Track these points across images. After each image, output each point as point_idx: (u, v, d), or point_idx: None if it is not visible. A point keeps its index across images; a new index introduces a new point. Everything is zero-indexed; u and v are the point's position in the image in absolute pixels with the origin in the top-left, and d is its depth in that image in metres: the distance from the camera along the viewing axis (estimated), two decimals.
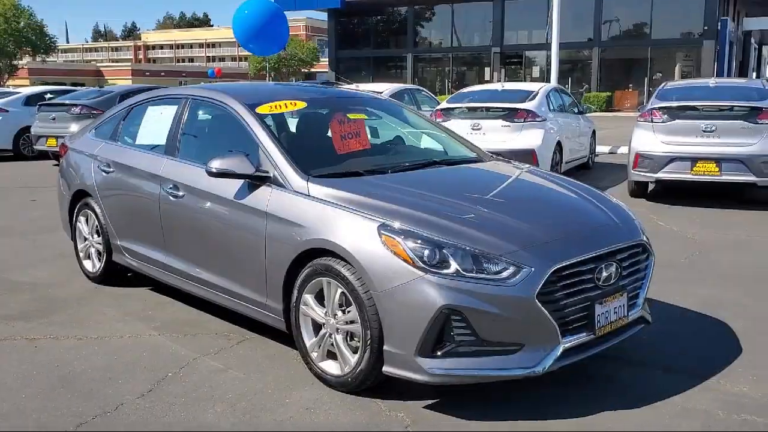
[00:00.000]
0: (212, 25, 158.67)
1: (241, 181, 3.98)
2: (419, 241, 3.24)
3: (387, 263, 3.25)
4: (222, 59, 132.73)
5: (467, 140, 5.09)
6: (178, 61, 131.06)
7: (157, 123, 4.96)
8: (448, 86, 34.41)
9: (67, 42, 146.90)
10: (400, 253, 3.23)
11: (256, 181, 3.92)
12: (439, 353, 3.18)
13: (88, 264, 5.59)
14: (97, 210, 5.28)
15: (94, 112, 13.06)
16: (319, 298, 3.63)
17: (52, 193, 10.56)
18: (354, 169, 4.06)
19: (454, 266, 3.16)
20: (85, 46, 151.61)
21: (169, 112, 4.89)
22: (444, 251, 3.20)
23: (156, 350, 4.15)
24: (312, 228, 3.59)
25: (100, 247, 5.36)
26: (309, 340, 3.69)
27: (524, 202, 3.97)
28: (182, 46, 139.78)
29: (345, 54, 38.12)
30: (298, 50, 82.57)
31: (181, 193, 4.39)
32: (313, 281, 3.60)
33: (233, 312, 4.32)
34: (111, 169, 5.11)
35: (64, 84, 44.67)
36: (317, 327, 3.66)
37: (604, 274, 3.42)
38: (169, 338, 4.34)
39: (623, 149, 15.88)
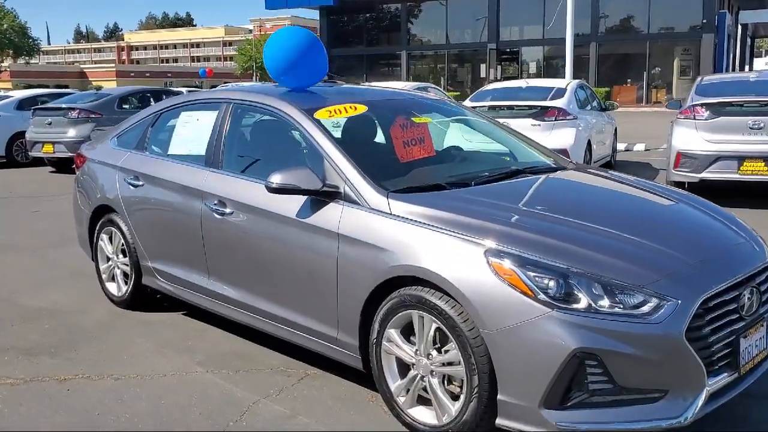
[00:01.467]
0: (195, 25, 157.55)
1: (303, 198, 3.48)
2: (539, 270, 2.74)
3: (500, 296, 2.75)
4: (207, 59, 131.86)
5: (537, 142, 4.59)
6: (162, 62, 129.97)
7: (193, 130, 4.43)
8: (443, 84, 33.95)
9: (49, 43, 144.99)
10: (517, 284, 2.73)
11: (323, 197, 3.41)
12: (569, 404, 2.68)
13: (112, 286, 5.06)
14: (123, 227, 4.75)
15: (93, 115, 12.49)
16: (406, 332, 3.13)
17: (55, 202, 10.07)
18: (431, 180, 3.56)
19: (584, 300, 2.67)
20: (67, 47, 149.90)
21: (207, 118, 4.36)
22: (570, 281, 2.71)
23: (207, 391, 3.63)
24: (398, 252, 3.08)
25: (127, 269, 4.83)
26: (394, 382, 3.18)
27: (646, 219, 3.45)
28: (166, 46, 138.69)
29: (337, 52, 37.50)
30: None
31: (228, 210, 3.87)
32: (400, 314, 3.09)
33: (286, 342, 3.81)
34: (140, 182, 4.58)
35: (48, 86, 43.80)
36: (404, 367, 3.16)
37: (746, 302, 2.94)
38: (219, 375, 3.82)
39: (639, 146, 15.51)
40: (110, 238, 4.98)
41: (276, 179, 3.41)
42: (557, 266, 2.74)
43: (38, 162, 13.84)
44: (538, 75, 32.80)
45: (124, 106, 13.19)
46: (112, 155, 4.97)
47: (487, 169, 3.97)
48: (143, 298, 4.88)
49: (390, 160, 3.80)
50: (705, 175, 8.09)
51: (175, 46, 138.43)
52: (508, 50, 34.97)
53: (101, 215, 5.00)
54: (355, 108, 3.95)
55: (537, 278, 2.72)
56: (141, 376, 3.84)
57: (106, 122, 12.40)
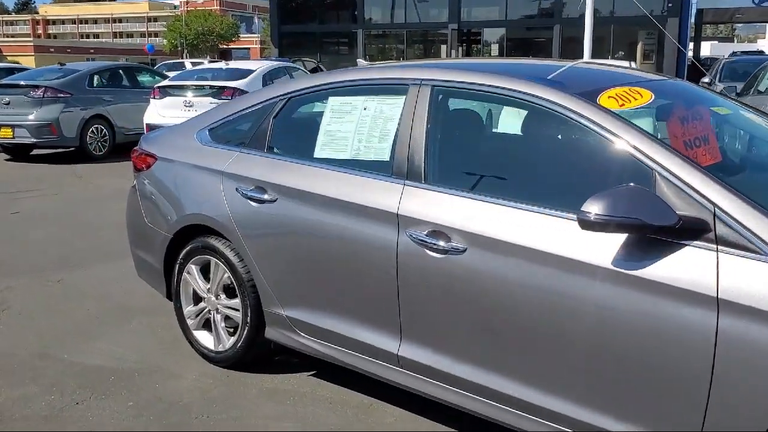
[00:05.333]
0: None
1: (619, 238, 2.22)
2: None
3: None
4: (130, 35, 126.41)
5: None
6: (82, 37, 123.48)
7: (357, 125, 3.07)
8: None
9: None
10: None
11: (673, 236, 2.16)
12: None
13: (204, 337, 3.66)
14: (232, 258, 3.36)
15: (62, 95, 10.68)
16: None
17: (35, 201, 8.08)
18: None
19: None
20: None
21: (381, 107, 3.02)
22: None
23: None
24: None
25: (237, 315, 3.45)
26: None
27: None
28: (86, 21, 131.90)
29: (288, 29, 35.53)
30: (217, 25, 78.64)
31: (457, 246, 2.57)
32: None
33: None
34: (267, 196, 3.19)
35: None
36: None
37: None
38: None
39: None
40: (204, 271, 3.59)
41: (597, 208, 2.14)
42: None
43: None
44: (500, 56, 31.87)
45: (96, 84, 11.37)
46: (206, 155, 3.55)
47: None
48: (256, 356, 3.52)
49: None
50: None
51: (95, 21, 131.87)
52: (470, 31, 33.92)
53: (189, 238, 3.59)
54: (641, 94, 2.69)
55: None
56: None
57: (77, 102, 10.69)
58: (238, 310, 3.44)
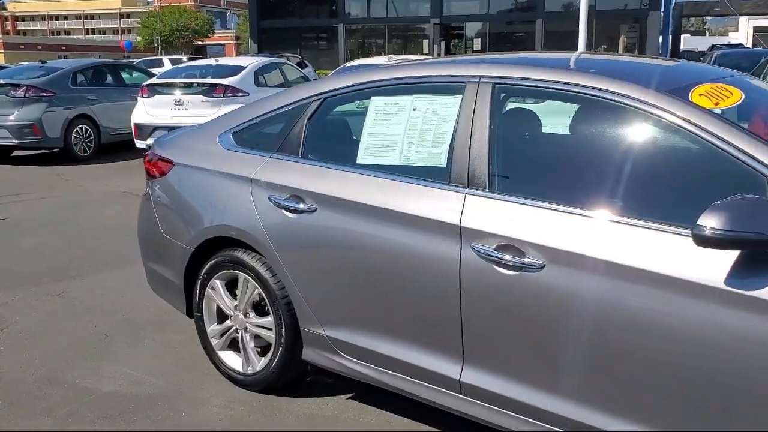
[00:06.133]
0: None
1: (730, 254, 1.99)
2: None
3: None
4: (103, 32, 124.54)
5: None
6: (53, 34, 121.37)
7: (406, 127, 2.80)
8: None
9: None
10: None
11: None
12: None
13: (229, 358, 3.38)
14: (264, 273, 3.08)
15: (45, 94, 10.25)
16: None
17: (21, 206, 7.54)
18: None
19: None
20: None
21: (433, 107, 2.75)
22: None
23: None
24: None
25: (269, 334, 3.17)
26: None
27: None
28: (57, 17, 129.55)
29: (267, 24, 35.03)
30: (191, 21, 77.60)
31: (533, 262, 2.31)
32: None
33: None
34: (307, 206, 2.91)
35: None
36: None
37: None
38: None
39: None
40: (230, 286, 3.30)
41: (714, 222, 1.90)
42: None
43: None
44: (482, 51, 31.71)
45: (80, 83, 10.94)
46: (231, 161, 3.25)
47: None
48: (289, 379, 3.25)
49: None
50: None
51: (66, 18, 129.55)
52: (453, 26, 33.69)
53: (213, 251, 3.30)
54: (731, 92, 2.45)
55: None
56: None
57: (60, 102, 10.27)
58: (270, 329, 3.16)
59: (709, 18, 65.21)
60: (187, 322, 3.63)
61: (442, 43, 31.83)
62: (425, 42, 32.99)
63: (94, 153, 10.85)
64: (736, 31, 66.35)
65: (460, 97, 2.66)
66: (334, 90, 3.08)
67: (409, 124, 2.79)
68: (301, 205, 2.93)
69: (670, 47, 32.80)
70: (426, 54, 30.49)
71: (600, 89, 2.38)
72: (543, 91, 2.57)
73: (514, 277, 2.36)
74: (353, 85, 3.04)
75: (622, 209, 2.23)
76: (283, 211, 2.98)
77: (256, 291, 3.16)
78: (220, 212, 3.23)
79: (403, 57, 13.61)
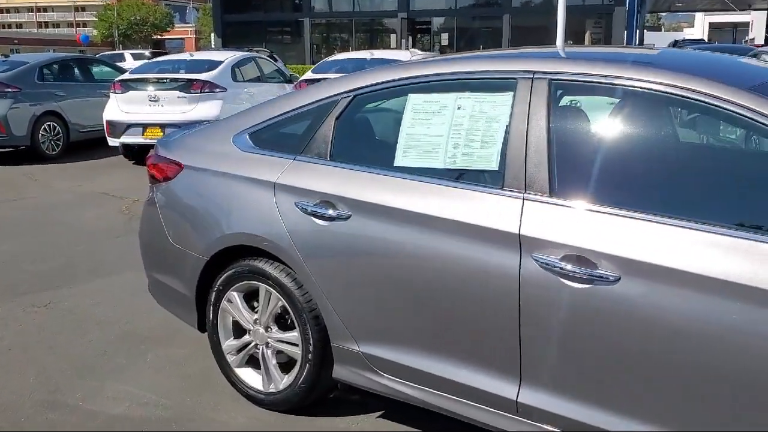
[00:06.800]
0: None
1: None
2: None
3: None
4: (57, 25, 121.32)
5: None
6: (3, 27, 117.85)
7: (449, 127, 2.59)
8: None
9: None
10: None
11: None
12: None
13: (248, 375, 3.14)
14: (289, 284, 2.85)
15: (9, 90, 9.76)
16: None
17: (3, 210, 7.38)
18: None
19: None
20: None
21: (479, 105, 2.55)
22: None
23: None
24: None
25: (295, 351, 2.94)
26: None
27: None
28: (7, 10, 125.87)
29: (231, 18, 34.39)
30: (150, 15, 76.04)
31: (606, 275, 2.13)
32: None
33: None
34: (340, 212, 2.69)
35: None
36: None
37: None
38: None
39: None
40: (249, 299, 3.06)
41: None
42: None
43: None
44: (450, 46, 31.59)
45: (47, 78, 10.47)
46: (250, 164, 3.00)
47: None
48: (316, 398, 3.02)
49: None
50: None
51: (17, 10, 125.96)
52: (418, 20, 33.52)
53: (229, 261, 3.05)
54: None
55: None
56: None
57: (26, 98, 9.82)
58: (295, 344, 2.93)
59: (663, 14, 66.28)
60: (191, 333, 3.39)
61: (410, 38, 31.66)
62: (393, 37, 32.79)
63: (62, 151, 10.39)
64: (692, 27, 67.61)
65: (512, 94, 2.47)
66: (366, 87, 2.85)
67: (454, 123, 2.58)
68: (333, 212, 2.71)
69: (637, 42, 33.13)
70: (395, 48, 30.25)
71: (677, 86, 2.20)
72: (600, 87, 2.38)
73: (584, 290, 2.18)
74: (386, 82, 2.82)
75: (704, 216, 2.06)
76: (312, 217, 2.75)
77: (280, 303, 2.93)
78: (239, 219, 2.99)
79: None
